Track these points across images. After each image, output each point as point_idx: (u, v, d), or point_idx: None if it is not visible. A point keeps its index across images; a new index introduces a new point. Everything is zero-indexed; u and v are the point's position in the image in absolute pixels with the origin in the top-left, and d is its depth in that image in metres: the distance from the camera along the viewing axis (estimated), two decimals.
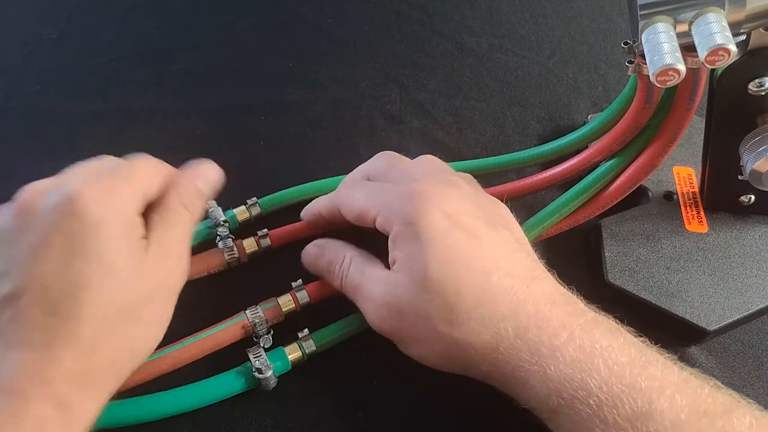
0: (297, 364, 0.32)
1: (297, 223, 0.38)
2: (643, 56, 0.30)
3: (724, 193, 0.37)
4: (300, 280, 0.34)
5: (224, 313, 0.33)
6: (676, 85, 0.28)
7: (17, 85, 0.48)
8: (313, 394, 0.33)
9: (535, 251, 0.39)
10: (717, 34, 0.26)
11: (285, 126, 0.46)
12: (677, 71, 0.26)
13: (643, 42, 0.28)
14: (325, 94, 0.48)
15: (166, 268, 0.28)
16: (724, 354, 0.35)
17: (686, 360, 0.34)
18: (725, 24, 0.26)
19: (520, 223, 0.32)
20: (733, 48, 0.25)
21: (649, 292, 0.35)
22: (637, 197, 0.39)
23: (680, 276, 0.35)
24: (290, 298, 0.34)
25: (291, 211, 0.39)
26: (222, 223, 0.37)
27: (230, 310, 0.33)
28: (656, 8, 0.27)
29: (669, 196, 0.39)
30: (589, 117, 0.44)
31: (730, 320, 0.34)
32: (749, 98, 0.32)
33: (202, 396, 0.31)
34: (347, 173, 0.41)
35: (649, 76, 0.27)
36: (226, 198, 0.38)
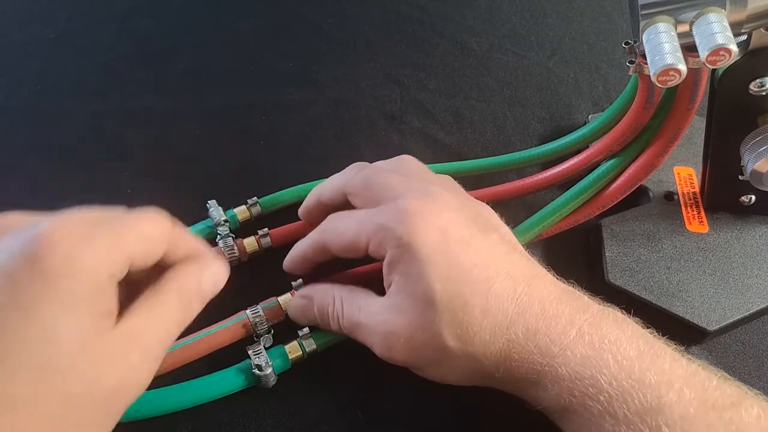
0: (297, 363, 0.32)
1: (297, 222, 0.38)
2: (644, 56, 0.29)
3: (724, 194, 0.37)
4: (300, 279, 0.34)
5: (225, 313, 0.33)
6: (677, 85, 0.28)
7: (17, 85, 0.48)
8: (313, 394, 0.33)
9: (536, 251, 0.39)
10: (718, 34, 0.26)
11: (285, 126, 0.46)
12: (678, 71, 0.26)
13: (644, 42, 0.28)
14: (325, 94, 0.48)
15: (126, 366, 0.23)
16: (724, 354, 0.35)
17: None
18: (726, 24, 0.26)
19: (520, 223, 0.32)
20: (734, 48, 0.25)
21: (649, 292, 0.35)
22: (637, 197, 0.39)
23: (681, 276, 0.35)
24: (291, 297, 0.34)
25: (291, 211, 0.39)
26: (222, 222, 0.37)
27: (231, 309, 0.33)
28: (657, 8, 0.27)
29: (669, 196, 0.39)
30: (589, 117, 0.44)
31: (731, 320, 0.34)
32: (750, 98, 0.32)
33: (202, 392, 0.31)
34: None
35: (650, 76, 0.27)
36: (226, 198, 0.38)
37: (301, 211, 0.36)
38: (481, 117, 0.47)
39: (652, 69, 0.27)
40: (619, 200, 0.37)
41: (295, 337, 0.33)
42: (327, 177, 0.41)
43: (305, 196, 0.39)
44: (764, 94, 0.31)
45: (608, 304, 0.29)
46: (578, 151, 0.39)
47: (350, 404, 0.32)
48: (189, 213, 0.38)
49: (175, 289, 0.25)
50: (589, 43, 0.52)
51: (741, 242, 0.37)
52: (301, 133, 0.45)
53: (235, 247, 0.36)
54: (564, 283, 0.29)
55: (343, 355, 0.33)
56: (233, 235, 0.37)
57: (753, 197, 0.37)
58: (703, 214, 0.38)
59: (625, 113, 0.35)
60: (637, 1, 0.27)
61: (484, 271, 0.27)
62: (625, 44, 0.31)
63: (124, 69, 0.49)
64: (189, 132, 0.45)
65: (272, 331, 0.33)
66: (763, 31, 0.29)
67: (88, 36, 0.52)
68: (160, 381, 0.31)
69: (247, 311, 0.33)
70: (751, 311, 0.34)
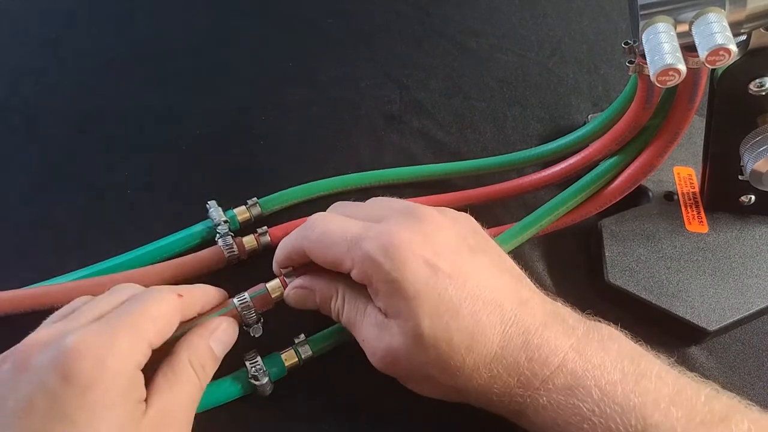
0: (293, 369, 0.32)
1: (297, 220, 0.38)
2: (643, 56, 0.30)
3: (724, 194, 0.37)
4: (290, 267, 0.33)
5: None
6: (677, 85, 0.28)
7: (17, 85, 0.48)
8: (312, 394, 0.33)
9: (536, 252, 0.38)
10: (717, 34, 0.26)
11: (285, 126, 0.46)
12: (678, 71, 0.26)
13: (643, 42, 0.28)
14: (325, 94, 0.48)
15: None
16: (724, 354, 0.35)
17: (686, 360, 0.34)
18: (726, 24, 0.26)
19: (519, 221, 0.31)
20: (733, 48, 0.25)
21: (649, 292, 0.35)
22: (637, 197, 0.39)
23: (680, 276, 0.35)
24: (279, 284, 0.32)
25: (291, 211, 0.39)
26: (222, 223, 0.37)
27: None
28: (657, 8, 0.27)
29: (669, 196, 0.39)
30: (589, 117, 0.44)
31: (731, 320, 0.34)
32: (750, 98, 0.32)
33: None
34: (347, 173, 0.42)
35: (649, 76, 0.27)
36: (226, 198, 0.38)
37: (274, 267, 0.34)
38: (481, 117, 0.47)
39: (651, 69, 0.27)
40: (618, 200, 0.37)
41: (291, 344, 0.33)
42: (327, 177, 0.41)
43: (305, 197, 0.40)
44: (764, 94, 0.31)
45: (597, 318, 0.28)
46: (578, 151, 0.39)
47: (350, 404, 0.32)
48: (189, 213, 0.38)
49: (187, 360, 0.27)
50: (589, 43, 0.52)
51: (741, 242, 0.37)
52: (301, 133, 0.45)
53: (234, 245, 0.36)
54: (552, 300, 0.29)
55: (342, 355, 0.33)
56: (232, 233, 0.37)
57: (753, 197, 0.37)
58: (702, 214, 0.38)
59: (625, 113, 0.35)
60: (637, 1, 0.27)
61: (472, 305, 0.27)
62: (624, 44, 0.31)
63: (124, 69, 0.49)
64: (189, 132, 0.45)
65: (261, 320, 0.32)
66: (762, 31, 0.29)
67: (88, 36, 0.52)
68: None
69: (234, 299, 0.31)
70: (750, 311, 0.34)
